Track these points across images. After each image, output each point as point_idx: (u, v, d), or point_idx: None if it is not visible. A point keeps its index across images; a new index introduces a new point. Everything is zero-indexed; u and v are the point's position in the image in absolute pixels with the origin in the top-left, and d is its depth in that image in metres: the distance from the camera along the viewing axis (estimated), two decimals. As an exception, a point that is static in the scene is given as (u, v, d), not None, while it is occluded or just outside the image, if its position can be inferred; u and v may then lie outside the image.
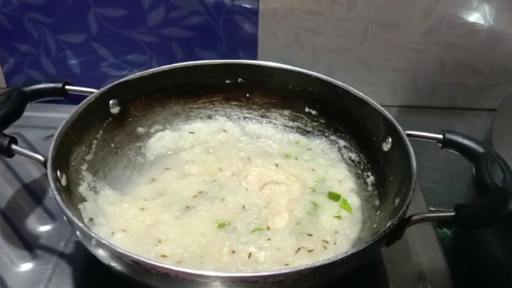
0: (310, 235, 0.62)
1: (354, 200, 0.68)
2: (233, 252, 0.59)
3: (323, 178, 0.71)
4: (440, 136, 0.65)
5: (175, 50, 0.91)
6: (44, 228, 0.70)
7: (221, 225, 0.63)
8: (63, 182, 0.60)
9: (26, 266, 0.64)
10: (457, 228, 0.87)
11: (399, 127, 0.65)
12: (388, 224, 0.54)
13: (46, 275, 0.63)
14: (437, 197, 1.08)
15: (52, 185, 0.54)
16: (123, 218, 0.63)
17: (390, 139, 0.67)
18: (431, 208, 0.78)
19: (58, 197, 0.53)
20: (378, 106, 0.69)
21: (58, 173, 0.59)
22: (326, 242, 0.61)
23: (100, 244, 0.49)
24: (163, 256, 0.58)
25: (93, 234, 0.49)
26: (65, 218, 0.54)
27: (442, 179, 1.05)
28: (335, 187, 0.69)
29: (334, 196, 0.68)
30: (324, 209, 0.66)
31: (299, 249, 0.60)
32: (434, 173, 1.05)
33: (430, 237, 0.73)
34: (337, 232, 0.63)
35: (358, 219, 0.66)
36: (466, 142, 0.63)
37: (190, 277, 0.46)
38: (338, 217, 0.65)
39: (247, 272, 0.54)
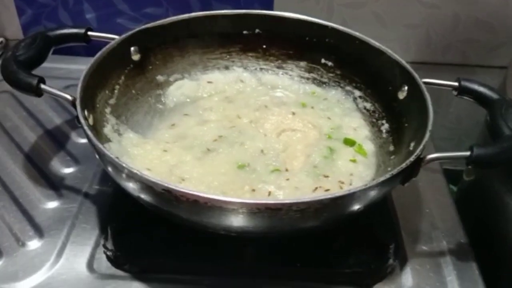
0: (326, 176, 0.64)
1: (369, 146, 0.70)
2: (253, 190, 0.61)
3: (339, 125, 0.73)
4: (456, 84, 0.67)
5: (192, 2, 0.91)
6: (68, 170, 0.72)
7: (241, 166, 0.65)
8: (90, 121, 0.61)
9: (53, 204, 0.67)
10: (463, 184, 0.90)
11: (416, 75, 0.67)
12: (406, 161, 0.56)
13: (72, 212, 0.66)
14: (445, 144, 1.09)
15: (82, 121, 0.56)
16: (147, 159, 0.65)
17: (406, 87, 0.69)
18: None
19: (89, 132, 0.55)
20: (395, 55, 0.71)
21: (86, 112, 0.60)
22: (342, 183, 0.64)
23: (132, 174, 0.51)
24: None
25: (124, 165, 0.51)
26: (95, 153, 0.57)
27: (452, 136, 1.07)
28: (350, 134, 0.71)
29: (349, 142, 0.70)
30: (340, 154, 0.68)
31: (316, 188, 0.62)
32: (443, 130, 1.06)
33: (441, 186, 0.76)
34: (353, 175, 0.65)
35: (372, 163, 0.68)
36: (481, 89, 0.65)
37: (218, 204, 0.48)
38: (354, 160, 0.67)
39: (272, 199, 0.56)
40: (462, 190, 0.90)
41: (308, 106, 0.76)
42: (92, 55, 0.71)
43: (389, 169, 0.65)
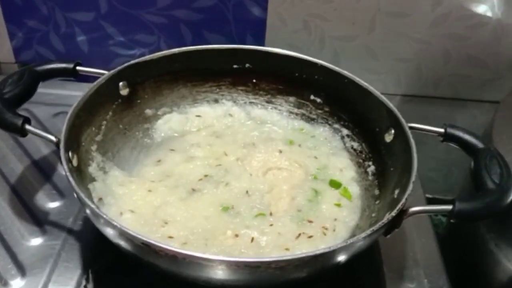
0: (310, 221, 0.64)
1: (355, 189, 0.70)
2: (236, 235, 0.61)
3: (325, 165, 0.73)
4: (442, 130, 0.66)
5: (184, 32, 0.92)
6: (53, 205, 0.72)
7: (225, 209, 0.65)
8: (74, 162, 0.61)
9: (36, 241, 0.67)
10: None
11: (402, 120, 0.67)
12: (387, 215, 0.56)
13: (55, 250, 0.66)
14: (434, 185, 1.10)
15: (65, 166, 0.56)
16: (131, 199, 0.65)
17: (392, 131, 0.69)
18: (427, 195, 0.81)
19: (70, 178, 0.55)
20: (382, 97, 0.71)
21: (70, 153, 0.60)
22: (326, 229, 0.64)
23: (111, 226, 0.51)
24: (170, 237, 0.61)
25: (105, 216, 0.51)
26: (76, 198, 0.57)
27: (440, 167, 1.07)
28: (336, 175, 0.71)
29: (335, 184, 0.70)
30: (325, 197, 0.68)
31: (300, 235, 0.62)
32: (432, 161, 1.07)
33: (425, 226, 0.75)
34: (337, 220, 0.65)
35: (357, 206, 0.68)
36: (466, 137, 0.65)
37: (196, 260, 0.48)
38: (338, 205, 0.67)
39: (251, 257, 0.56)
40: (450, 226, 0.90)
41: (296, 144, 0.76)
42: (83, 80, 0.71)
43: (373, 214, 0.66)
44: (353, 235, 0.63)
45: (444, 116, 0.99)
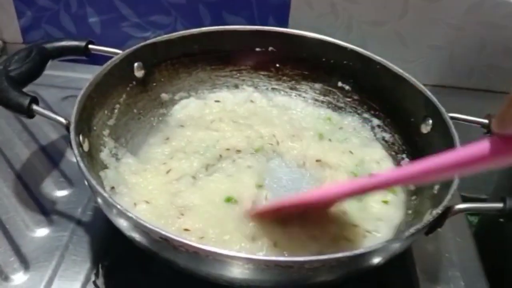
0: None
1: None
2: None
3: (362, 159, 0.67)
4: (486, 121, 0.61)
5: (202, 13, 0.86)
6: (61, 193, 0.67)
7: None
8: (85, 147, 0.56)
9: (42, 232, 0.62)
10: (485, 216, 0.84)
11: (443, 109, 0.61)
12: (429, 213, 0.51)
13: (62, 242, 0.61)
14: (462, 181, 1.04)
15: (75, 150, 0.51)
16: (146, 189, 0.59)
17: (430, 121, 0.63)
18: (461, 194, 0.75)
19: (81, 164, 0.50)
20: (419, 84, 0.65)
21: (81, 137, 0.55)
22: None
23: (125, 217, 0.46)
24: (186, 230, 0.56)
25: (119, 206, 0.46)
26: (87, 185, 0.51)
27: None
28: (374, 168, 0.65)
29: None
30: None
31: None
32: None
33: (461, 224, 0.70)
34: (381, 219, 0.59)
35: (402, 202, 0.62)
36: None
37: (221, 258, 0.43)
38: (386, 202, 0.61)
39: (282, 256, 0.51)
40: (482, 222, 0.85)
41: (326, 139, 0.70)
42: (94, 62, 0.66)
43: (409, 211, 0.60)
44: (394, 238, 0.57)
45: (476, 108, 0.92)
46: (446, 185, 0.53)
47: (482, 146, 0.34)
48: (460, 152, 0.37)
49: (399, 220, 0.59)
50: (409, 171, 0.44)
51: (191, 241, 0.43)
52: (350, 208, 0.59)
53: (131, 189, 0.59)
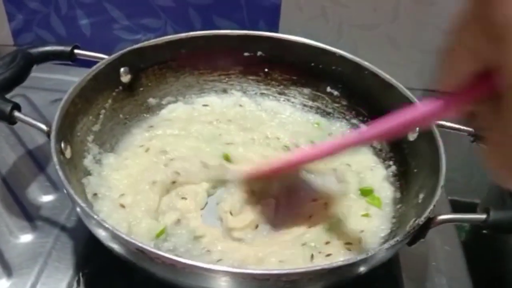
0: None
1: (388, 191, 0.63)
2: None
3: (358, 171, 0.66)
4: (472, 129, 0.60)
5: (192, 17, 0.85)
6: (46, 198, 0.67)
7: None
8: (67, 154, 0.56)
9: (26, 238, 0.62)
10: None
11: (429, 117, 0.60)
12: (412, 223, 0.50)
13: (46, 248, 0.60)
14: (454, 185, 1.03)
15: (55, 158, 0.51)
16: (127, 183, 0.60)
17: (417, 128, 0.63)
18: (449, 198, 0.74)
19: (60, 172, 0.50)
20: (406, 91, 0.65)
21: (62, 144, 0.55)
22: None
23: (103, 227, 0.46)
24: (176, 172, 0.61)
25: (95, 217, 0.46)
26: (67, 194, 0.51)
27: (462, 167, 1.01)
28: (367, 178, 0.64)
29: (365, 192, 0.63)
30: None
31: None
32: (453, 160, 1.00)
33: (449, 232, 0.69)
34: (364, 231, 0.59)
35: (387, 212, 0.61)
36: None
37: (197, 270, 0.43)
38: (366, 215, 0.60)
39: (258, 269, 0.50)
40: (473, 233, 0.84)
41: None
42: (85, 65, 0.65)
43: (394, 220, 0.60)
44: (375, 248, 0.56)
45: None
46: (430, 194, 0.53)
47: (433, 104, 0.38)
48: (417, 109, 0.42)
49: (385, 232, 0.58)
50: (375, 130, 0.49)
51: (167, 254, 0.43)
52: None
53: (112, 188, 0.58)
